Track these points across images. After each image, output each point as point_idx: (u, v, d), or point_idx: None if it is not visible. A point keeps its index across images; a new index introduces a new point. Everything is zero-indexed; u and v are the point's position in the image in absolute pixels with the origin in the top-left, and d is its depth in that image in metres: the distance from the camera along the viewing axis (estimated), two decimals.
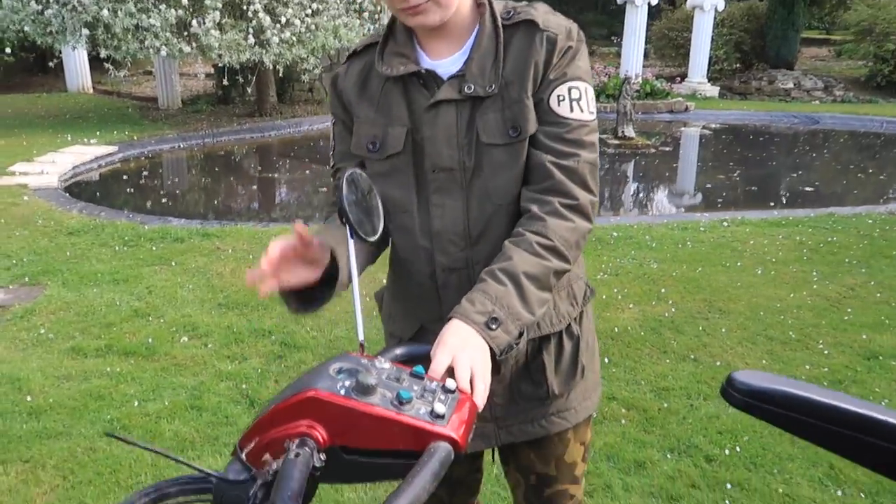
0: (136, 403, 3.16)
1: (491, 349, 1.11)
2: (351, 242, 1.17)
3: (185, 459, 0.97)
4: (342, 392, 0.94)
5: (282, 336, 3.77)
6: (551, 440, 1.50)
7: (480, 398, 1.03)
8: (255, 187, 8.70)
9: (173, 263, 4.80)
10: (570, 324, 1.44)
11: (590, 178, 1.28)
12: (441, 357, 1.07)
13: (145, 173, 8.85)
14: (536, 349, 1.43)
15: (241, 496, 0.96)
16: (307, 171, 9.09)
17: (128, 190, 7.98)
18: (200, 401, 3.17)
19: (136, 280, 4.51)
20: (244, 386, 3.29)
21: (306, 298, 1.25)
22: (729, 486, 2.58)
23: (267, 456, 0.94)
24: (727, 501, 2.51)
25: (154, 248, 5.08)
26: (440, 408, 0.93)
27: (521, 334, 1.16)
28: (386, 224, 1.29)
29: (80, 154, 8.52)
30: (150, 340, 3.72)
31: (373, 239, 1.20)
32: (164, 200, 7.54)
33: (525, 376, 1.44)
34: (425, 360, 1.20)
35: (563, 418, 1.49)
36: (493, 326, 1.12)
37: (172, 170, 9.52)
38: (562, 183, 1.25)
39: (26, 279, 4.53)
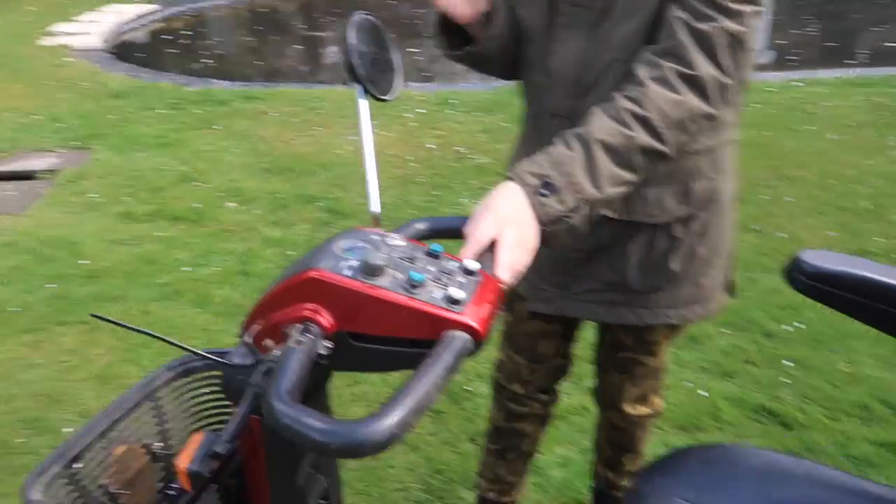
0: (187, 268, 3.18)
1: (539, 217, 0.99)
2: (362, 105, 1.04)
3: (178, 342, 0.90)
4: (347, 273, 0.84)
5: (328, 202, 3.71)
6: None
7: (506, 272, 0.93)
8: (301, 47, 8.42)
9: (218, 127, 4.71)
10: (670, 222, 1.31)
11: (723, 52, 1.07)
12: (484, 227, 0.96)
13: (187, 32, 8.62)
14: (624, 233, 1.33)
15: (245, 380, 0.90)
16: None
17: (169, 50, 7.81)
18: (249, 266, 3.18)
19: (182, 144, 4.45)
20: (291, 252, 3.27)
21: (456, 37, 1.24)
22: (788, 362, 2.49)
23: (268, 341, 0.87)
24: (785, 378, 2.43)
25: (198, 111, 4.99)
26: (457, 292, 0.82)
27: (577, 208, 1.02)
28: (514, 54, 1.22)
29: (121, 13, 8.31)
30: (197, 205, 3.71)
31: (387, 98, 1.06)
32: (206, 61, 7.37)
33: (605, 258, 1.36)
34: (457, 233, 1.09)
35: (636, 315, 1.40)
36: (546, 192, 1.00)
37: (215, 29, 9.26)
38: (683, 47, 1.07)
39: (75, 143, 4.52)
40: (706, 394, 2.41)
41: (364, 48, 1.08)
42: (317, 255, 0.87)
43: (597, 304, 1.42)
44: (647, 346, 1.52)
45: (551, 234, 1.01)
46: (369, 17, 1.13)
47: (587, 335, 1.69)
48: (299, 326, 0.83)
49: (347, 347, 0.85)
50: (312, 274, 0.84)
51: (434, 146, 4.42)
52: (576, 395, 2.38)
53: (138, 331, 0.85)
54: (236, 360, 0.93)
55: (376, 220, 1.06)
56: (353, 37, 1.05)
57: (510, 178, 1.01)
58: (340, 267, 0.85)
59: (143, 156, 4.30)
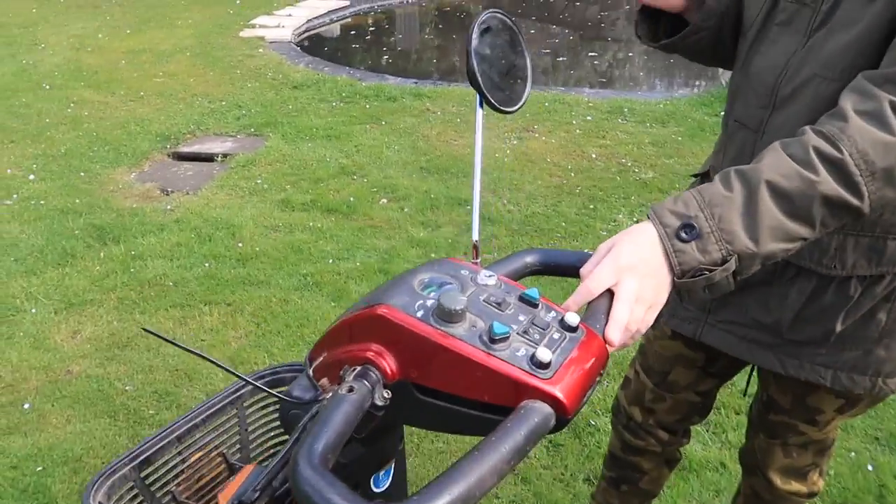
0: (330, 261, 3.23)
1: (672, 267, 0.80)
2: (479, 116, 0.91)
3: (228, 366, 0.82)
4: (419, 314, 0.71)
5: None
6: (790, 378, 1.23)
7: (617, 332, 0.76)
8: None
9: (383, 122, 4.78)
10: (850, 279, 1.10)
11: None
12: (600, 273, 0.80)
13: (372, 28, 8.92)
14: (787, 274, 1.14)
15: (301, 416, 0.80)
16: (531, 31, 8.63)
17: (354, 45, 8.11)
18: (390, 265, 3.16)
19: (347, 137, 4.56)
20: (433, 255, 3.22)
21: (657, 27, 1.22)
22: None
23: (325, 380, 0.76)
24: None
25: (367, 106, 5.10)
26: (545, 352, 0.67)
27: (724, 262, 0.81)
28: (731, 47, 1.16)
29: (315, 8, 8.74)
30: (351, 199, 3.76)
31: (509, 110, 0.93)
32: (386, 57, 7.57)
33: (758, 293, 1.18)
34: (572, 272, 0.94)
35: (781, 363, 1.21)
36: (686, 236, 0.81)
37: (399, 26, 9.51)
38: None
39: (252, 129, 4.77)
40: (872, 468, 2.06)
41: (489, 51, 0.95)
42: (392, 288, 0.76)
43: (738, 339, 1.22)
44: (808, 413, 1.28)
45: (685, 289, 0.82)
46: (501, 14, 1.00)
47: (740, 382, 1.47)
48: (357, 369, 0.73)
49: (411, 400, 0.73)
50: (380, 311, 0.73)
51: (596, 156, 4.20)
52: (714, 447, 2.12)
53: (190, 351, 0.78)
54: (297, 391, 0.84)
55: (476, 251, 0.93)
56: (476, 37, 0.93)
57: (648, 216, 0.84)
58: (414, 306, 0.73)
59: (310, 146, 4.45)
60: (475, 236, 0.93)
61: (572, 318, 0.74)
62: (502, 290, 0.76)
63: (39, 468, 2.17)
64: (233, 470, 1.16)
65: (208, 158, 4.39)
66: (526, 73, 0.98)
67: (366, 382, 0.70)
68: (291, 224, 3.56)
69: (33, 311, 2.92)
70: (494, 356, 0.68)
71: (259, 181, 4.01)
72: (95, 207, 3.73)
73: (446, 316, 0.70)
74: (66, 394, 2.45)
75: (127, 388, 2.49)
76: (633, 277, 0.79)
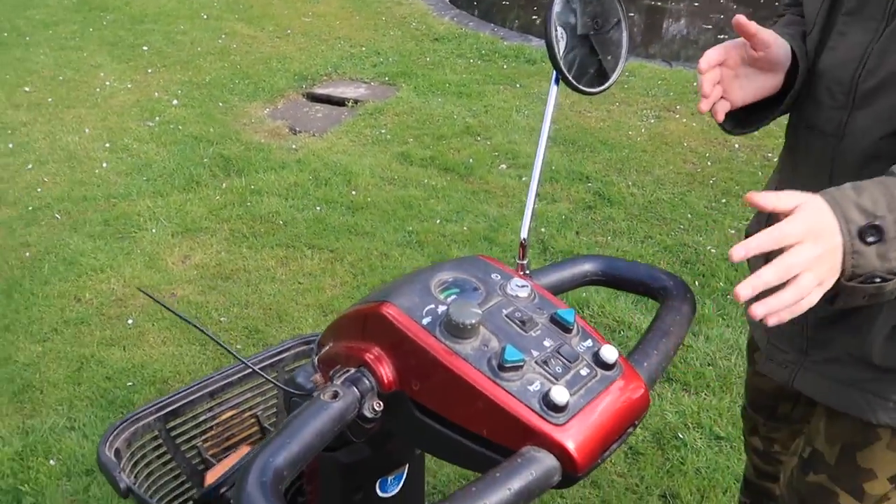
0: (438, 221, 3.17)
1: (845, 267, 0.70)
2: (552, 94, 0.79)
3: (226, 345, 0.76)
4: (425, 321, 0.61)
5: (599, 185, 3.43)
6: (850, 420, 1.04)
7: (763, 306, 0.66)
8: (634, 15, 8.01)
9: (518, 85, 4.62)
10: None
11: None
12: (790, 226, 0.68)
13: None
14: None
15: (298, 404, 0.73)
16: (695, 4, 8.08)
17: (504, 2, 7.91)
18: (496, 234, 3.06)
19: (478, 96, 4.44)
20: (543, 230, 3.08)
21: (745, 115, 1.03)
22: None
23: (317, 376, 0.68)
24: None
25: (505, 67, 4.95)
26: (561, 393, 0.56)
27: None
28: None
29: None
30: (470, 160, 3.67)
31: (592, 91, 0.80)
32: (536, 17, 7.33)
33: (849, 320, 1.00)
34: (643, 289, 0.80)
35: (866, 402, 1.02)
36: (870, 238, 0.70)
37: None
38: None
39: (386, 78, 4.75)
40: None
41: (574, 20, 0.82)
42: (407, 284, 0.67)
43: (830, 381, 1.06)
44: (855, 476, 1.07)
45: (847, 293, 0.72)
46: None
47: None
48: (350, 372, 0.64)
49: (407, 416, 0.64)
50: (384, 309, 0.64)
51: (739, 146, 3.87)
52: None
53: (184, 318, 0.73)
54: (300, 378, 0.77)
55: (523, 251, 0.82)
56: (560, 4, 0.80)
57: (821, 199, 0.72)
58: (423, 310, 0.63)
59: (440, 101, 4.38)
60: (524, 233, 0.82)
61: (609, 353, 0.61)
62: (534, 304, 0.65)
63: (130, 383, 2.27)
64: (265, 433, 1.13)
65: (339, 102, 4.42)
66: (620, 48, 0.84)
67: (356, 389, 0.62)
68: (406, 178, 3.52)
69: (153, 231, 3.06)
70: (500, 386, 0.57)
71: (383, 131, 3.99)
72: (226, 139, 3.85)
73: (454, 329, 0.60)
74: (167, 316, 2.55)
75: (222, 318, 2.56)
76: (818, 245, 0.68)
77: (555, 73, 0.82)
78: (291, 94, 4.49)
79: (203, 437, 1.06)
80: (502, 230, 3.08)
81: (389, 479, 0.79)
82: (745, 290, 0.62)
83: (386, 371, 0.63)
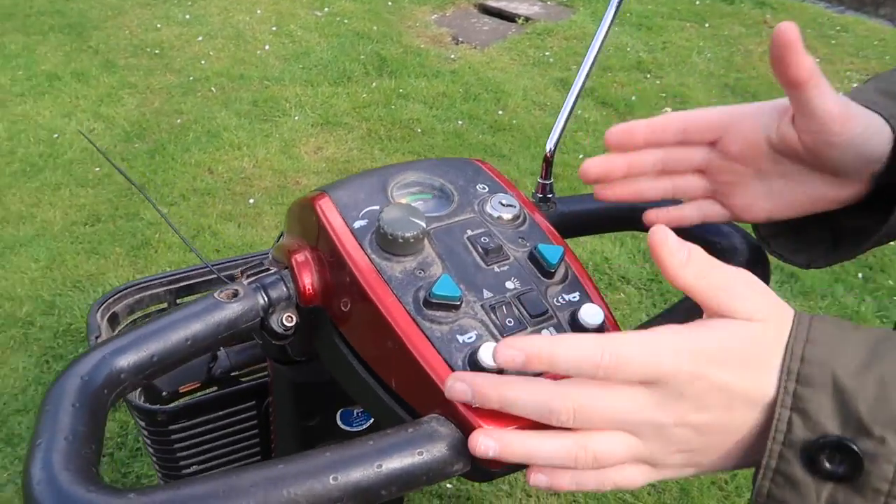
0: (581, 155, 2.94)
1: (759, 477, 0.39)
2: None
3: (168, 216, 0.63)
4: (357, 224, 0.48)
5: None
6: None
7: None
8: None
9: (706, 24, 4.17)
10: None
11: None
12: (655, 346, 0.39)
13: None
14: None
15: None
16: None
17: None
18: None
19: (659, 31, 4.05)
20: None
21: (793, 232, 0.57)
22: None
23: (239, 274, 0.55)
24: None
25: (697, 2, 4.47)
26: (489, 351, 0.39)
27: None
28: None
29: None
30: (633, 98, 3.37)
31: None
32: None
33: None
34: (697, 243, 0.60)
35: None
36: (828, 465, 0.37)
37: None
38: None
39: (566, 0, 4.45)
40: None
41: None
42: (360, 179, 0.53)
43: None
44: None
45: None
46: None
47: None
48: (266, 274, 0.52)
49: (325, 339, 0.51)
50: (318, 202, 0.50)
51: None
52: None
53: (121, 172, 0.62)
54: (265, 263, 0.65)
55: (546, 166, 0.65)
56: None
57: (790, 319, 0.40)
58: (361, 210, 0.49)
59: (615, 31, 4.03)
60: (549, 144, 0.64)
61: (591, 313, 0.44)
62: (516, 231, 0.49)
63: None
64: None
65: (510, 18, 4.20)
66: None
67: (263, 295, 0.49)
68: (559, 106, 3.28)
69: (295, 118, 3.07)
70: (419, 327, 0.42)
71: (547, 53, 3.75)
72: (387, 38, 3.78)
73: (383, 241, 0.45)
74: (285, 202, 2.56)
75: None
76: (713, 369, 0.38)
77: None
78: (462, 4, 4.32)
79: None
80: None
81: (355, 412, 0.67)
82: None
83: (308, 280, 0.50)
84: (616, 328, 0.46)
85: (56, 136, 2.85)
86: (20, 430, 1.75)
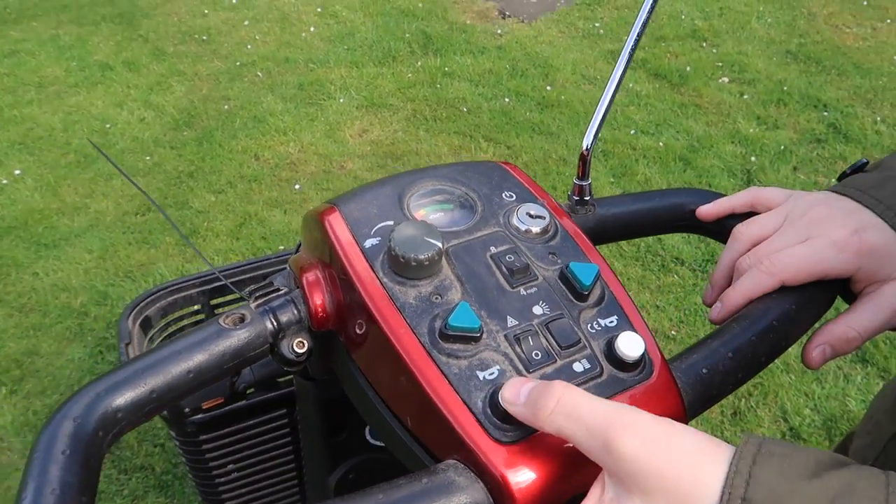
0: (632, 131, 2.84)
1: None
2: None
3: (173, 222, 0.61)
4: (368, 243, 0.44)
5: (837, 116, 2.87)
6: None
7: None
8: None
9: None
10: None
11: None
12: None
13: None
14: None
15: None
16: None
17: None
18: (695, 155, 2.68)
19: None
20: (753, 159, 2.65)
21: None
22: None
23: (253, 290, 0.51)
24: None
25: None
26: (513, 391, 0.36)
27: None
28: None
29: None
30: (687, 69, 3.23)
31: None
32: None
33: None
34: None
35: None
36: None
37: None
38: None
39: None
40: None
41: None
42: (374, 187, 0.49)
43: None
44: None
45: None
46: None
47: None
48: (275, 294, 0.48)
49: (342, 367, 0.48)
50: (326, 217, 0.47)
51: None
52: None
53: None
54: (278, 281, 0.62)
55: (583, 166, 0.60)
56: None
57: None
58: (374, 226, 0.45)
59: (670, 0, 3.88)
60: (587, 141, 0.59)
61: (631, 344, 0.40)
62: (546, 246, 0.44)
63: (281, 247, 2.30)
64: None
65: None
66: None
67: (271, 319, 0.46)
68: (606, 81, 3.18)
69: (341, 101, 3.05)
70: (434, 363, 0.38)
71: (597, 24, 3.63)
72: (433, 15, 3.71)
73: (395, 263, 0.41)
74: (331, 187, 2.55)
75: None
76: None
77: None
78: None
79: None
80: (703, 152, 2.69)
81: None
82: None
83: (320, 301, 0.46)
84: (660, 357, 0.41)
85: (108, 126, 2.90)
86: None
